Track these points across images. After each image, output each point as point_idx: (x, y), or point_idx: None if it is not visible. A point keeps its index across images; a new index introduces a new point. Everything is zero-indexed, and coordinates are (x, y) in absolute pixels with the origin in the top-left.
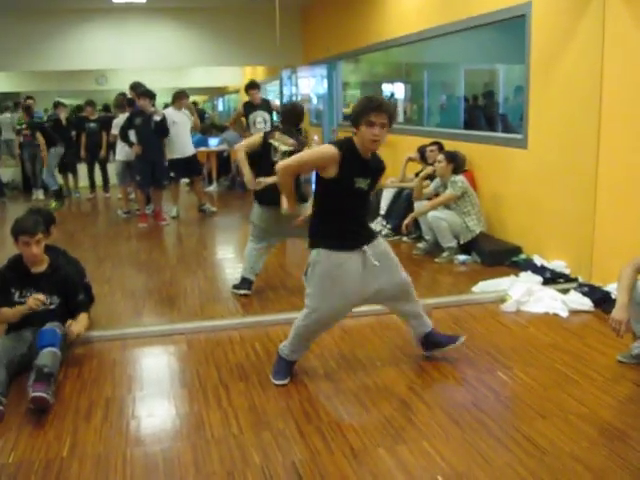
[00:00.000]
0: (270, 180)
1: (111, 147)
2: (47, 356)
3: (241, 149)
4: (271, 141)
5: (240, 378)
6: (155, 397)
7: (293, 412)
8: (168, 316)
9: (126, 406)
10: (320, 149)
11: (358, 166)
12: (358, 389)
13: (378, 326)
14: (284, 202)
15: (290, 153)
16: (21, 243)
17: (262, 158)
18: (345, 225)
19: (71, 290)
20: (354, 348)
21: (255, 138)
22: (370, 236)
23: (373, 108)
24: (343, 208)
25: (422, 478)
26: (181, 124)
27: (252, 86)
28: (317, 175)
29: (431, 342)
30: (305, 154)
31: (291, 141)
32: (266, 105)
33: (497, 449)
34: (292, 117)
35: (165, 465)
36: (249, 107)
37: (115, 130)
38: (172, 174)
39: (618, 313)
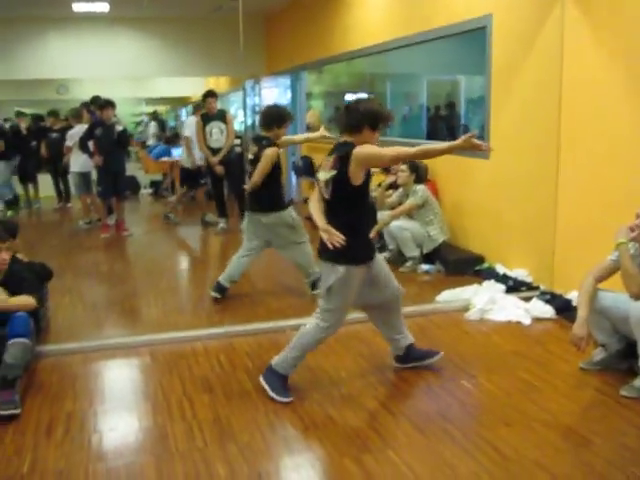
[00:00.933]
0: None
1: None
2: (14, 353)
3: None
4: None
5: (204, 390)
6: (117, 411)
7: (259, 424)
8: (131, 328)
9: (88, 420)
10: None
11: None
12: (323, 399)
13: (343, 336)
14: None
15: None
16: None
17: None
18: (365, 236)
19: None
20: (319, 358)
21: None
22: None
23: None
24: (365, 217)
25: None
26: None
27: (211, 94)
28: (339, 188)
29: (411, 356)
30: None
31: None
32: (222, 115)
33: (462, 457)
34: (267, 120)
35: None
36: (205, 118)
37: (69, 142)
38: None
39: (578, 329)
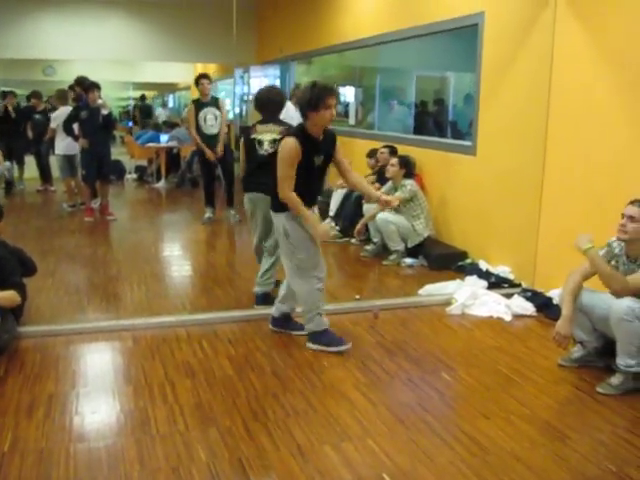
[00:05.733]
0: None
1: (50, 141)
2: None
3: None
4: (254, 136)
5: (187, 375)
6: (99, 393)
7: (240, 409)
8: (114, 312)
9: (69, 402)
10: (287, 149)
11: (313, 147)
12: (304, 387)
13: None
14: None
15: (278, 140)
16: None
17: (249, 156)
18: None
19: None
20: (301, 347)
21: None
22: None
23: (330, 93)
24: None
25: (367, 475)
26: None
27: (205, 77)
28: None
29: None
30: (283, 164)
31: (279, 128)
32: (215, 102)
33: (441, 448)
34: (269, 107)
35: (109, 461)
36: (199, 104)
37: (53, 124)
38: None
39: (562, 328)
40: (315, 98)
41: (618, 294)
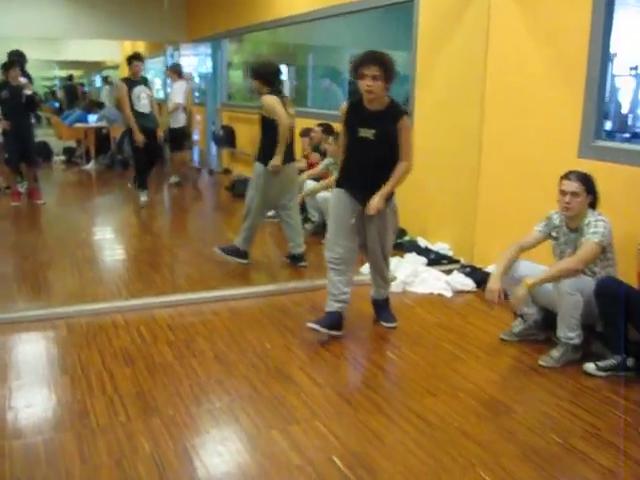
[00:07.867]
0: None
1: None
2: None
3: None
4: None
5: (126, 363)
6: (34, 386)
7: (183, 397)
8: (46, 300)
9: (2, 396)
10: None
11: (362, 117)
12: (248, 371)
13: (267, 307)
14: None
15: None
16: None
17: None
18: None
19: None
20: (243, 329)
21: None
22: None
23: (361, 62)
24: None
25: (316, 458)
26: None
27: (137, 57)
28: None
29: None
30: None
31: None
32: (145, 81)
33: (389, 427)
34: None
35: (48, 457)
36: (131, 83)
37: None
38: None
39: (491, 284)
40: (352, 69)
41: (578, 272)
